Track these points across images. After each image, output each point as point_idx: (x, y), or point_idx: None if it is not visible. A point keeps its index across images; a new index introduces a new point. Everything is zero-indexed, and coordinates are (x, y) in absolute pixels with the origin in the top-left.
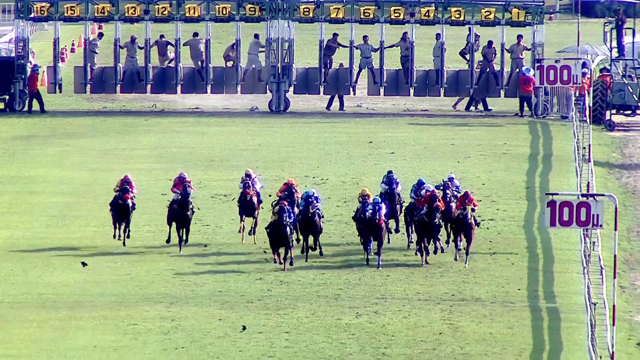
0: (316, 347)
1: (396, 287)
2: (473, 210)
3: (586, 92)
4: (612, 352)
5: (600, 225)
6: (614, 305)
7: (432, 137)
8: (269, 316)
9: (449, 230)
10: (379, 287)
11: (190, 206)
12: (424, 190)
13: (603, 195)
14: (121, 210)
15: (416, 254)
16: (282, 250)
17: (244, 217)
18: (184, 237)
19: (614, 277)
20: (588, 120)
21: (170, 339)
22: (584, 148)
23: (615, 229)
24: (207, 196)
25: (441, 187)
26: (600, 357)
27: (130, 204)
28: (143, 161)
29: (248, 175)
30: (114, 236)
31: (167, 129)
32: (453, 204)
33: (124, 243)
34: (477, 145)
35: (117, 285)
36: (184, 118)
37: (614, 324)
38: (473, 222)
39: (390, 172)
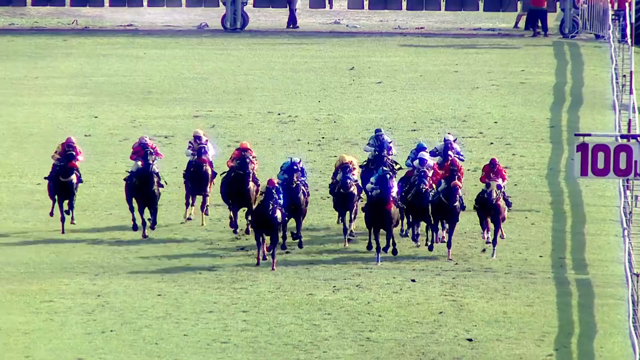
0: (282, 331)
1: (384, 253)
2: (500, 187)
3: (627, 4)
4: None
5: None
6: None
7: (430, 62)
8: (222, 291)
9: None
10: (362, 253)
11: (155, 180)
12: (416, 161)
13: None
14: (63, 187)
15: (415, 240)
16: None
17: (193, 195)
18: (151, 219)
19: None
20: (630, 41)
21: (95, 319)
22: (624, 76)
23: None
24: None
25: (437, 153)
26: None
27: (75, 179)
28: (61, 93)
29: (198, 138)
30: (62, 230)
31: (91, 52)
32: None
33: (62, 230)
34: (487, 72)
35: (27, 252)
36: (114, 38)
37: None
38: (502, 202)
39: (378, 130)
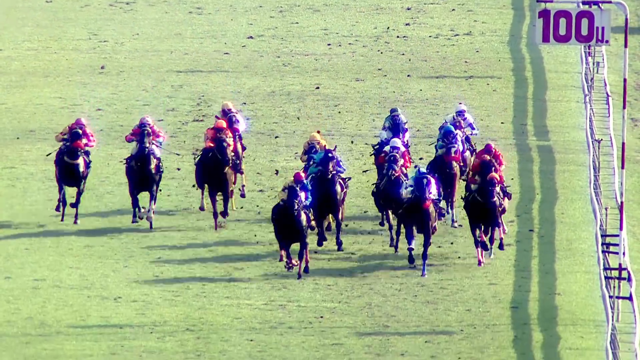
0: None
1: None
2: (499, 183)
3: None
4: (621, 202)
5: (607, 41)
6: (623, 143)
7: None
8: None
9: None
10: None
11: (155, 162)
12: (387, 147)
13: (610, 2)
14: (69, 172)
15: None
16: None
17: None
18: (152, 206)
19: (624, 107)
20: None
21: (56, 186)
22: None
23: (626, 46)
24: None
25: (456, 125)
26: (607, 208)
27: (83, 163)
28: None
29: (226, 112)
30: (60, 211)
31: None
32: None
33: (75, 220)
34: None
35: None
36: None
37: (623, 167)
38: (499, 195)
39: (394, 110)
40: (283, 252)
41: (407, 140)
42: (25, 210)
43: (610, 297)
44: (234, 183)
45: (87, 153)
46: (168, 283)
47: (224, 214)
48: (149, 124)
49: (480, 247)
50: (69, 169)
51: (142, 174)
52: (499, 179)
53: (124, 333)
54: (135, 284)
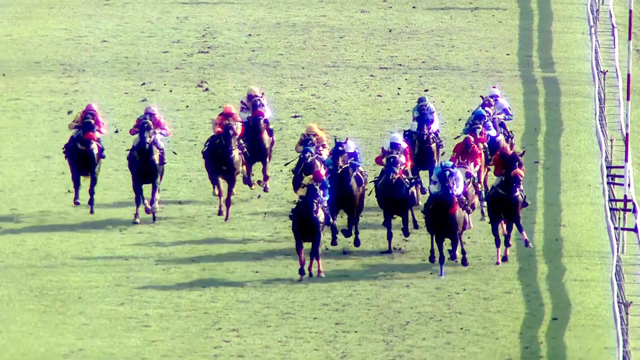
0: None
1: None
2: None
3: None
4: (626, 133)
5: None
6: (628, 75)
7: None
8: (190, 89)
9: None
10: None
11: (159, 153)
12: (387, 144)
13: None
14: (82, 159)
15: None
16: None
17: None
18: (156, 197)
19: (629, 39)
20: None
21: (62, 118)
22: None
23: None
24: None
25: (487, 103)
26: (612, 139)
27: (97, 150)
28: None
29: (252, 97)
30: (75, 201)
31: None
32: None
33: (91, 210)
34: None
35: None
36: None
37: (628, 98)
38: (522, 192)
39: (422, 99)
40: (302, 255)
41: (432, 130)
42: (31, 142)
43: (616, 228)
44: (249, 177)
45: (98, 140)
46: (173, 215)
47: (227, 201)
48: (153, 114)
49: (500, 247)
50: (82, 155)
51: (144, 166)
52: (522, 175)
53: (129, 265)
54: (140, 216)
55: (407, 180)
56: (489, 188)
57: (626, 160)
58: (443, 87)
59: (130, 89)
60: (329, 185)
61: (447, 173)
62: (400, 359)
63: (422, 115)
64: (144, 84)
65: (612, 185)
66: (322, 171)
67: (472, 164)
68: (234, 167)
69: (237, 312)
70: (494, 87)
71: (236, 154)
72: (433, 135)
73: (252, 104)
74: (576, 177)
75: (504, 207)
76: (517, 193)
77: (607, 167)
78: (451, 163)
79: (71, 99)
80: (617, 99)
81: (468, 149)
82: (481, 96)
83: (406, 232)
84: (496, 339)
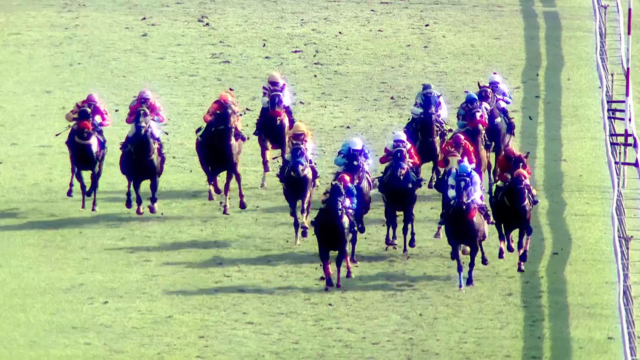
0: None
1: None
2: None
3: None
4: (627, 68)
5: None
6: (629, 9)
7: None
8: (190, 24)
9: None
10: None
11: (155, 147)
12: (390, 143)
13: None
14: (81, 153)
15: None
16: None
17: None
18: (155, 195)
19: None
20: None
21: (63, 52)
22: None
23: None
24: None
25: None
26: (612, 74)
27: (97, 143)
28: None
29: (274, 84)
30: (83, 204)
31: None
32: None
33: (93, 208)
34: None
35: None
36: None
37: (629, 33)
38: (529, 197)
39: (427, 86)
40: (327, 268)
41: (442, 116)
42: (31, 77)
43: (616, 163)
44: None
45: (100, 132)
46: (174, 150)
47: (225, 190)
48: (147, 99)
49: (504, 242)
50: (81, 150)
51: (141, 161)
52: (526, 176)
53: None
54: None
55: (414, 176)
56: (494, 189)
57: (627, 94)
58: (444, 22)
59: (130, 23)
60: (355, 192)
61: (463, 184)
62: (400, 291)
63: (428, 100)
64: (144, 18)
65: (612, 120)
66: (347, 177)
67: (467, 160)
68: (232, 155)
69: (237, 246)
70: (494, 73)
71: (234, 142)
72: (437, 125)
73: (270, 98)
74: (577, 112)
75: (512, 216)
76: (526, 202)
77: (607, 102)
78: (468, 168)
79: (72, 33)
80: (617, 33)
81: (459, 148)
82: (478, 83)
83: (411, 243)
84: (496, 274)
